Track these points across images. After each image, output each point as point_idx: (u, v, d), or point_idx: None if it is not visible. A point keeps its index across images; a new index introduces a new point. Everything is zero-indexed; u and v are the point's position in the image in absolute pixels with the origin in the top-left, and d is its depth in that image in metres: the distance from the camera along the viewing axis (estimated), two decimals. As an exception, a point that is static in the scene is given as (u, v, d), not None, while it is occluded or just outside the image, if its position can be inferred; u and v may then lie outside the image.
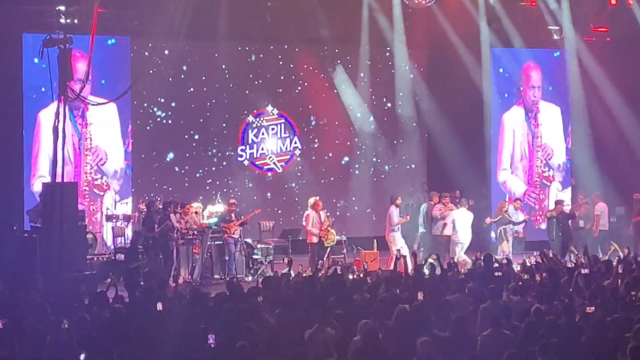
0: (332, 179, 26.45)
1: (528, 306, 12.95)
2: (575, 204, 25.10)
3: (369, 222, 26.34)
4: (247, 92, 25.58)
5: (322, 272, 17.74)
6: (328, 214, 22.35)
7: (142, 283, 18.25)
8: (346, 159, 26.66)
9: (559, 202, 23.54)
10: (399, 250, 19.74)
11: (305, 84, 26.15)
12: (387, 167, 27.07)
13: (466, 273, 17.15)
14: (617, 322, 11.64)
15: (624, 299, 13.63)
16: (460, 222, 22.01)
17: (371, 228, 25.80)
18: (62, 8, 22.14)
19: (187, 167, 25.23)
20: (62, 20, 22.14)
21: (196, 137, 25.25)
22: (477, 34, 25.73)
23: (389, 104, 26.97)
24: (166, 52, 24.01)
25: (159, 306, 12.98)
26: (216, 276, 21.26)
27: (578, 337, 11.21)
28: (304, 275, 17.40)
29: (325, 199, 23.75)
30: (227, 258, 21.33)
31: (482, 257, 17.63)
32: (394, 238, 21.77)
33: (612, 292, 14.13)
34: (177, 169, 25.16)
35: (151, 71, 23.40)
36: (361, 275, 17.46)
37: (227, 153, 25.67)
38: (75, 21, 22.27)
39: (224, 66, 25.29)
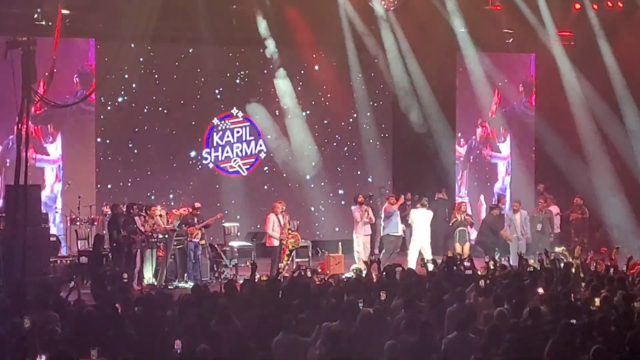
0: (297, 182, 26.39)
1: (492, 309, 12.96)
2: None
3: (334, 225, 26.30)
4: (212, 94, 25.51)
5: (286, 275, 17.69)
6: (288, 218, 22.11)
7: (108, 288, 18.10)
8: (312, 163, 26.57)
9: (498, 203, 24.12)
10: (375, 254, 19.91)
11: (272, 88, 26.10)
12: (354, 172, 27.13)
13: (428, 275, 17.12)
14: (581, 326, 11.68)
15: (588, 302, 13.74)
16: (417, 221, 22.12)
17: (336, 231, 25.84)
18: (26, 9, 21.93)
19: (151, 170, 25.08)
20: (26, 22, 21.91)
21: (161, 139, 25.09)
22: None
23: (354, 114, 26.97)
24: (132, 54, 23.98)
25: (119, 308, 12.92)
26: (180, 280, 21.16)
27: (543, 340, 11.25)
28: (264, 279, 17.39)
29: (291, 202, 23.73)
30: (193, 261, 21.21)
31: (445, 259, 17.73)
32: (355, 237, 21.98)
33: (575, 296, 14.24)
34: (141, 171, 25.02)
35: (116, 73, 23.41)
36: (325, 279, 17.45)
37: (192, 156, 25.59)
38: (40, 23, 22.07)
39: (189, 69, 25.21)
